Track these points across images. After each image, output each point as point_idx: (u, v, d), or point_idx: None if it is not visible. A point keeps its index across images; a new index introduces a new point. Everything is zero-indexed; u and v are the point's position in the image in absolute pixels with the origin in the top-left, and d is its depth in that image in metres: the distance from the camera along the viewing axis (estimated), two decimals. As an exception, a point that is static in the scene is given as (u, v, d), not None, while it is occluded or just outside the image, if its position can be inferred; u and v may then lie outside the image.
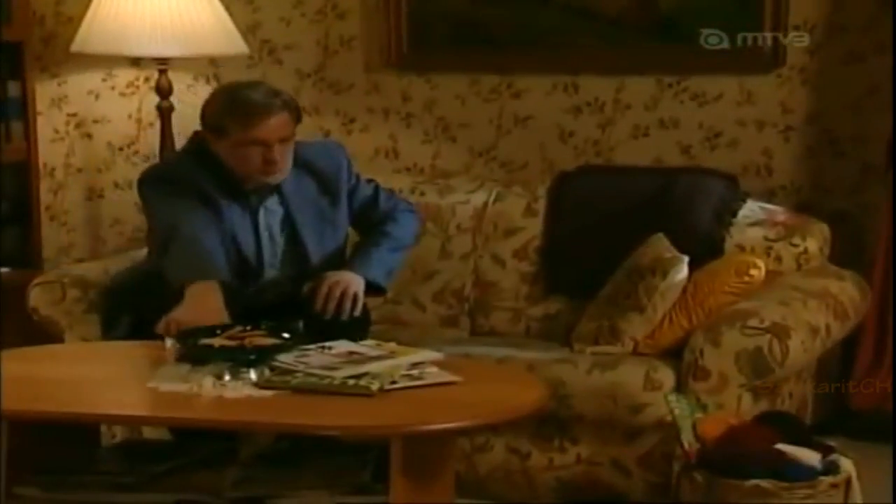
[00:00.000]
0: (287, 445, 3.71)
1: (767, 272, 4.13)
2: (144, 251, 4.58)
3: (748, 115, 4.74)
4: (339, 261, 4.10)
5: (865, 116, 4.63)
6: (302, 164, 4.06)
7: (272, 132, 3.90)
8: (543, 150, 4.94)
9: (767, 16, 4.62)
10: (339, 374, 3.33)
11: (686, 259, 4.13)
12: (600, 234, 4.44)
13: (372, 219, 4.18)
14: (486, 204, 4.68)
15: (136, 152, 5.36)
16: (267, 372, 3.38)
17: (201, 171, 4.00)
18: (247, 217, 4.02)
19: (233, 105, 3.93)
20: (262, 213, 4.04)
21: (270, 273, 4.05)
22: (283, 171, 3.97)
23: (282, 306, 3.95)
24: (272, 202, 4.05)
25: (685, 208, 4.38)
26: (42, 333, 4.40)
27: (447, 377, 3.40)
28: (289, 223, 4.06)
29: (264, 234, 4.04)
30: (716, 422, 3.57)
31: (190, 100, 5.00)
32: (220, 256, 3.87)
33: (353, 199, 4.17)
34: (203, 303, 3.71)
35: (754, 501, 3.36)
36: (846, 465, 3.45)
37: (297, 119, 3.99)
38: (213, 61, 5.21)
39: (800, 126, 4.71)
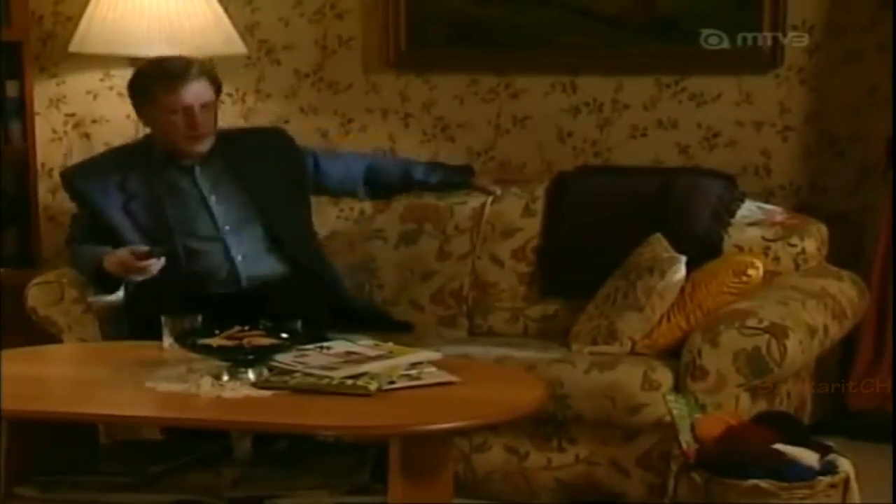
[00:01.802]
0: (285, 446, 3.71)
1: (765, 272, 4.13)
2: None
3: (747, 116, 4.74)
4: (307, 226, 4.49)
5: (864, 116, 4.63)
6: (244, 142, 4.49)
7: (193, 96, 4.26)
8: (542, 151, 4.94)
9: (766, 16, 4.62)
10: (338, 374, 3.33)
11: (684, 259, 4.13)
12: (599, 235, 4.44)
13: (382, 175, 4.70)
14: (484, 204, 4.67)
15: (135, 152, 5.36)
16: (265, 372, 3.39)
17: (128, 157, 4.46)
18: (173, 182, 4.35)
19: (156, 71, 4.32)
20: (197, 175, 4.35)
21: (230, 236, 4.30)
22: (207, 139, 4.33)
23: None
24: (208, 169, 4.36)
25: (683, 208, 4.38)
26: (41, 333, 4.40)
27: (446, 377, 3.40)
28: (234, 183, 4.38)
29: (204, 196, 4.33)
30: (714, 422, 3.56)
31: (188, 100, 5.00)
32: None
33: (321, 173, 4.60)
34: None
35: (753, 501, 3.35)
36: (844, 465, 3.45)
37: (218, 89, 4.37)
38: (212, 61, 5.20)
39: (798, 126, 4.71)
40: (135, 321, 4.11)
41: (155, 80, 4.29)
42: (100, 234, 4.30)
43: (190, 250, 4.27)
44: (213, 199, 4.33)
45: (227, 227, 4.31)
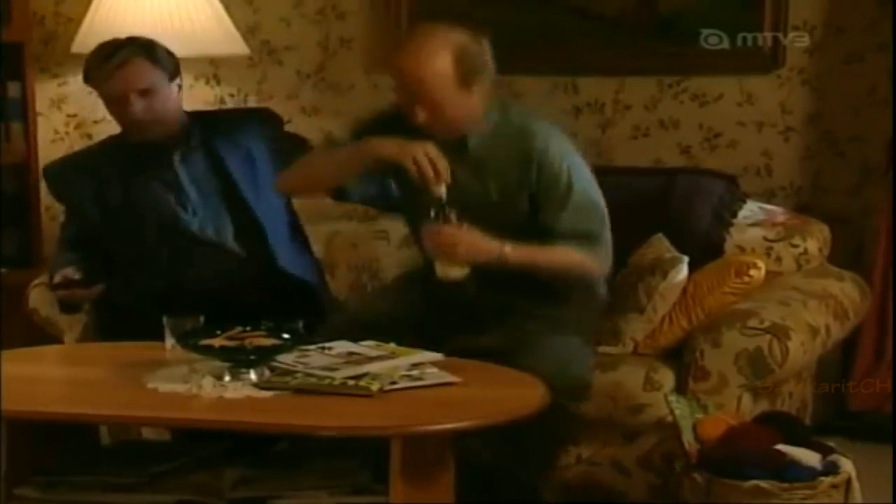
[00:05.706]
0: (286, 446, 3.71)
1: (767, 273, 4.12)
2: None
3: (748, 116, 4.75)
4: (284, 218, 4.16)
5: (865, 117, 4.63)
6: (224, 126, 4.13)
7: (124, 83, 3.89)
8: (543, 151, 4.94)
9: (767, 16, 4.62)
10: (339, 375, 3.33)
11: (686, 259, 4.12)
12: (600, 235, 4.43)
13: None
14: (485, 204, 4.67)
15: (136, 153, 5.36)
16: (267, 372, 3.38)
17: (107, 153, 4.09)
18: (157, 176, 4.01)
19: (92, 58, 3.98)
20: (178, 166, 4.02)
21: (209, 229, 4.04)
22: (154, 125, 3.94)
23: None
24: (191, 158, 4.04)
25: (685, 209, 4.37)
26: (41, 334, 4.40)
27: (447, 378, 3.39)
28: (220, 173, 4.05)
29: (189, 187, 4.03)
30: (716, 422, 3.57)
31: (190, 101, 4.98)
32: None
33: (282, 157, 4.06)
34: None
35: (754, 502, 3.36)
36: (846, 465, 3.45)
37: (166, 68, 3.95)
38: (213, 62, 5.21)
39: (799, 127, 4.72)
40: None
41: (91, 68, 3.96)
42: (82, 237, 4.13)
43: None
44: (193, 192, 4.05)
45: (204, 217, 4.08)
